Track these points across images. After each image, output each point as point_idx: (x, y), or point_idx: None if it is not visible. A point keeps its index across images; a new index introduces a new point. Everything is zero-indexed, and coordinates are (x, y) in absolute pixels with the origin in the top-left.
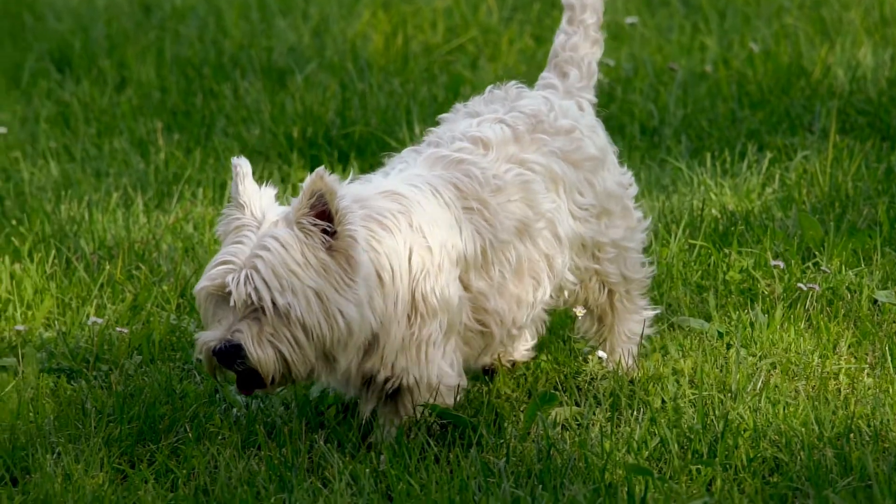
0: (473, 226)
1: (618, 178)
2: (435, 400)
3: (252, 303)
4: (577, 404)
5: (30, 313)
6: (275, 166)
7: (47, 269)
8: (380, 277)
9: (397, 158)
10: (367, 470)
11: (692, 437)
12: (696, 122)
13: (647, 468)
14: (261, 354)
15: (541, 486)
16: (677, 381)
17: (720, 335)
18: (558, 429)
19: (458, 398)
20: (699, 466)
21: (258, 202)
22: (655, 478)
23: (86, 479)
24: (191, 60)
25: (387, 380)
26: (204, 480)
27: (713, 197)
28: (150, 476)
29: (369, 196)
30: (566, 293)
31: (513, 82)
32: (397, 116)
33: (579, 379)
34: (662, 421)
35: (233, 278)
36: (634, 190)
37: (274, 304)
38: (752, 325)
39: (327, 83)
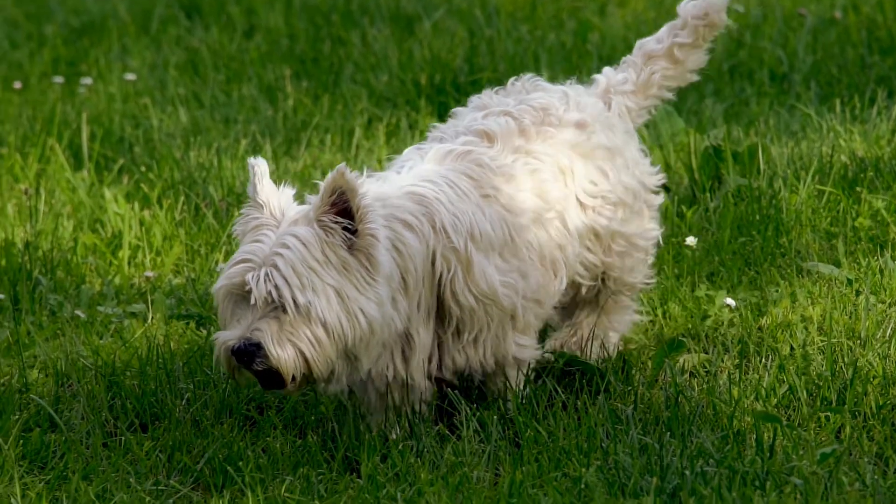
0: (494, 210)
1: (640, 177)
2: (519, 364)
3: (272, 300)
4: (705, 351)
5: (159, 260)
6: (402, 113)
7: (176, 215)
8: (404, 280)
9: (401, 157)
10: (495, 417)
11: (821, 384)
12: (825, 69)
13: (775, 415)
14: (281, 353)
15: (668, 433)
16: (806, 328)
17: (849, 282)
18: (686, 376)
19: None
20: (828, 414)
21: (277, 201)
22: (784, 425)
23: (215, 426)
24: (319, 7)
25: (456, 372)
26: (332, 427)
27: (842, 143)
28: (279, 422)
29: (390, 195)
30: (584, 290)
31: (529, 75)
32: (525, 63)
33: (707, 326)
34: (791, 368)
35: (253, 276)
36: (659, 199)
37: (294, 301)
38: (881, 271)
39: (455, 29)
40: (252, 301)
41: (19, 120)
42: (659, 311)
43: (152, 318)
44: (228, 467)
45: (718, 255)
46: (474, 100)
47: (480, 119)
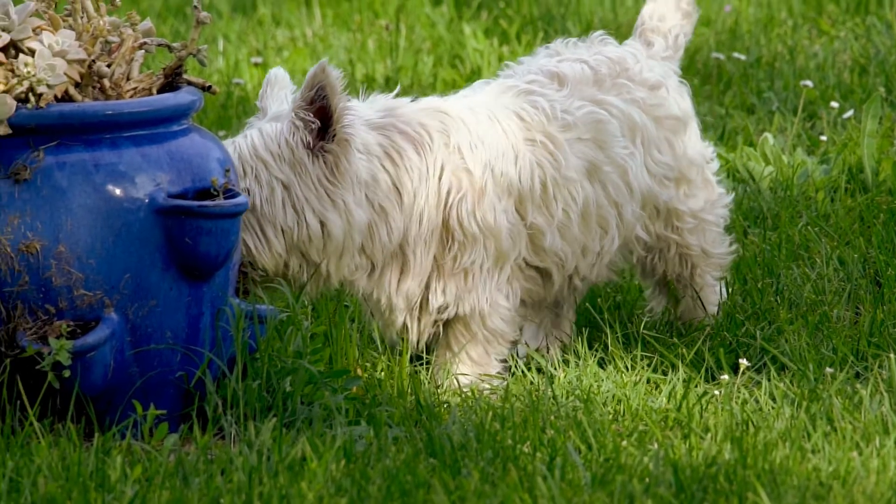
0: (534, 157)
1: (700, 148)
2: (487, 331)
3: None
4: None
5: None
6: None
7: None
8: (398, 192)
9: (465, 89)
10: (855, 255)
11: None
12: None
13: None
14: None
15: None
16: None
17: None
18: None
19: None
20: None
21: (277, 109)
22: None
23: None
24: None
25: (440, 308)
26: None
27: None
28: None
29: (404, 107)
30: (635, 256)
31: (599, 32)
32: None
33: None
34: None
35: None
36: (716, 165)
37: None
38: None
39: None
40: None
41: None
42: None
43: None
44: None
45: None
46: (543, 50)
47: (555, 62)
